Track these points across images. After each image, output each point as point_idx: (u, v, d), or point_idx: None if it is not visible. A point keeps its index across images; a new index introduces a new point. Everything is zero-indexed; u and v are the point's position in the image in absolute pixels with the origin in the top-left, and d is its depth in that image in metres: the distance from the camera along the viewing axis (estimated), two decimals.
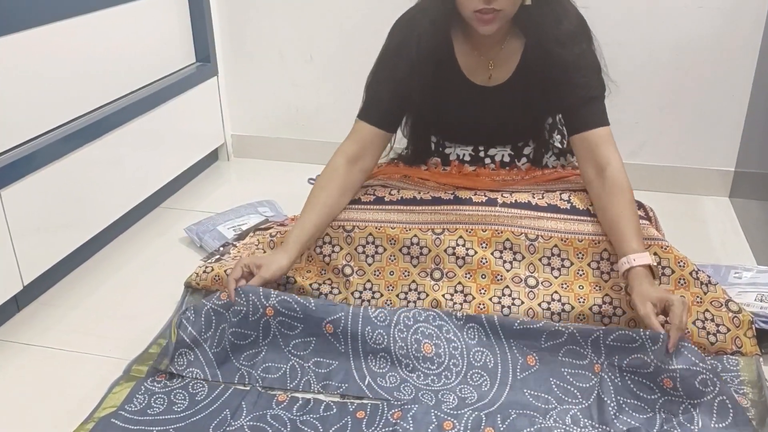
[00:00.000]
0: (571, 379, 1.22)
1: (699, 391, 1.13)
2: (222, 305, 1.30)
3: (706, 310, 1.30)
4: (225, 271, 1.46)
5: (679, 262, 1.34)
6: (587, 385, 1.20)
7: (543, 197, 1.45)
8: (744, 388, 1.21)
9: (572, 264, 1.38)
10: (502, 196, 1.47)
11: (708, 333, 1.29)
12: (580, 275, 1.37)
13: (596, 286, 1.35)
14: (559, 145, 1.61)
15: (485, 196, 1.46)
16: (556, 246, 1.39)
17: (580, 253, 1.38)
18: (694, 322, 1.30)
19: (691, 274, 1.33)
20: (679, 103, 1.97)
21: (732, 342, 1.28)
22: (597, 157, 1.37)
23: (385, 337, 1.28)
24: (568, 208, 1.43)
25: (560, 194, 1.45)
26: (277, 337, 1.31)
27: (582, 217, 1.41)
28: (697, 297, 1.32)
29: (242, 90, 2.29)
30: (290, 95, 2.26)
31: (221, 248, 1.64)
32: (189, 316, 1.28)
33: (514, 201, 1.45)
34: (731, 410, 1.11)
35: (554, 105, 1.48)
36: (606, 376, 1.19)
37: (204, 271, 1.49)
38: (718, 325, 1.29)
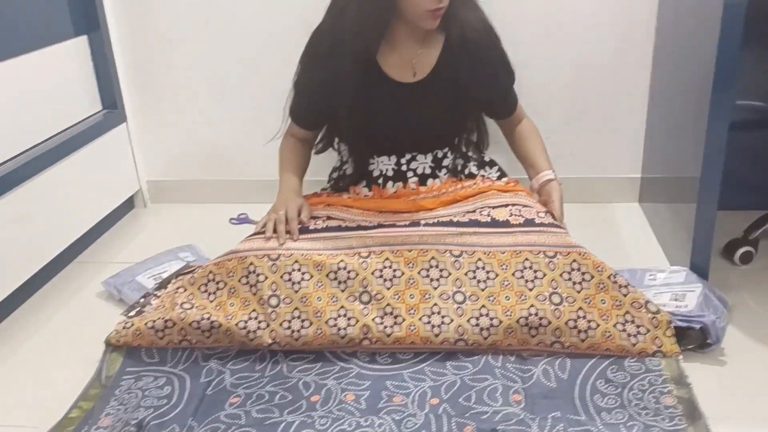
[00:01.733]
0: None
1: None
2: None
3: (627, 312, 1.35)
4: (146, 324, 1.42)
5: (597, 268, 1.39)
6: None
7: (464, 215, 1.49)
8: (668, 386, 1.25)
9: (497, 275, 1.41)
10: (424, 218, 1.49)
11: (629, 335, 1.34)
12: (506, 286, 1.40)
13: (521, 295, 1.38)
14: (477, 157, 1.68)
15: (408, 220, 1.50)
16: (480, 260, 1.42)
17: (504, 264, 1.41)
18: (615, 325, 1.34)
19: (609, 278, 1.38)
20: (585, 117, 2.05)
21: (652, 342, 1.33)
22: (515, 123, 1.72)
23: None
24: (489, 221, 1.47)
25: (479, 210, 1.49)
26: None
27: (503, 229, 1.46)
28: (617, 300, 1.36)
29: (154, 134, 2.24)
30: (204, 136, 2.22)
31: (142, 299, 1.59)
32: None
33: (436, 220, 1.49)
34: None
35: (477, 96, 1.60)
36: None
37: (124, 327, 1.44)
38: (638, 327, 1.34)
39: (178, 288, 1.52)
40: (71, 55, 1.96)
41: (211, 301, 1.44)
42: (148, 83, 2.18)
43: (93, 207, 2.01)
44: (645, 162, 2.05)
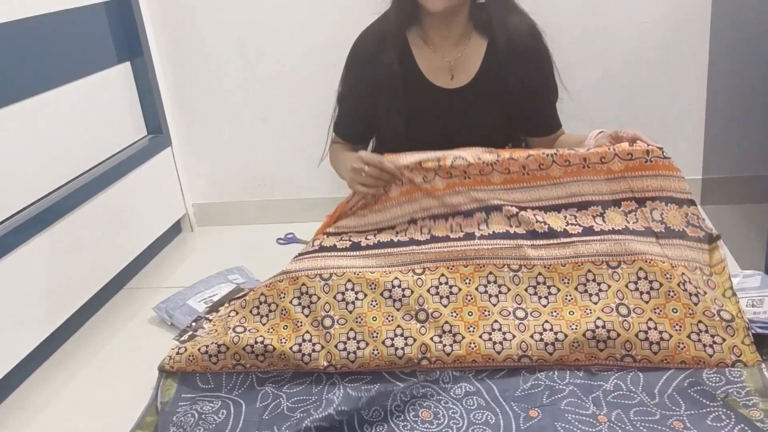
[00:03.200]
0: (577, 423, 1.16)
1: (714, 428, 1.10)
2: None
3: (699, 321, 1.27)
4: (199, 349, 1.39)
5: (665, 275, 1.31)
6: (594, 429, 1.15)
7: (519, 224, 1.41)
8: (753, 399, 1.17)
9: (559, 290, 1.34)
10: (479, 229, 1.43)
11: (704, 345, 1.25)
12: (569, 301, 1.33)
13: (586, 309, 1.31)
14: None
15: (462, 231, 1.43)
16: (540, 274, 1.36)
17: (565, 278, 1.34)
18: (689, 336, 1.26)
19: (679, 285, 1.30)
20: (638, 117, 1.98)
21: (730, 351, 1.24)
22: (553, 141, 1.60)
23: (382, 411, 1.23)
24: (546, 231, 1.39)
25: (535, 216, 1.41)
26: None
27: (561, 240, 1.38)
28: (689, 309, 1.28)
29: (199, 157, 2.24)
30: (248, 157, 2.22)
31: (193, 323, 1.56)
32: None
33: (492, 232, 1.42)
34: None
35: (523, 107, 1.51)
36: (613, 424, 1.15)
37: (177, 353, 1.41)
38: (713, 336, 1.26)
39: (230, 312, 1.49)
40: (115, 82, 1.97)
41: (264, 324, 1.41)
42: (191, 107, 2.19)
43: (141, 233, 2.02)
44: (706, 162, 1.96)
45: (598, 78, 1.95)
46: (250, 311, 1.44)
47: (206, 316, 1.58)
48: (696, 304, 1.28)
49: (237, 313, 1.45)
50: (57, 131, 1.71)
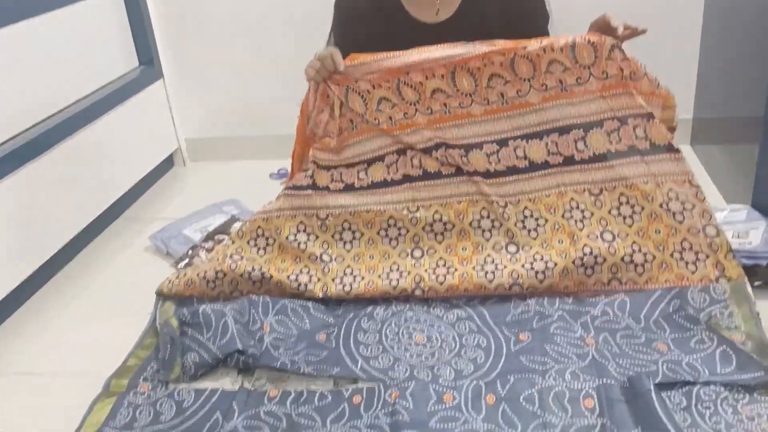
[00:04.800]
0: (566, 344, 1.21)
1: (697, 349, 1.14)
2: (218, 309, 1.29)
3: (684, 239, 1.28)
4: (197, 274, 1.41)
5: (647, 197, 1.31)
6: (582, 351, 1.19)
7: (499, 161, 1.40)
8: (735, 321, 1.19)
9: (546, 221, 1.37)
10: (463, 164, 1.42)
11: (687, 263, 1.28)
12: (557, 229, 1.36)
13: (573, 236, 1.34)
14: None
15: (452, 166, 1.43)
16: (526, 208, 1.38)
17: (551, 207, 1.37)
18: (672, 254, 1.29)
19: (661, 206, 1.31)
20: (634, 54, 1.97)
21: (714, 267, 1.26)
22: None
23: (377, 334, 1.27)
24: (527, 165, 1.40)
25: (515, 150, 1.41)
26: (269, 348, 1.26)
27: (542, 171, 1.39)
28: (672, 228, 1.30)
29: (191, 90, 2.22)
30: (241, 91, 2.20)
31: (189, 251, 1.58)
32: (186, 319, 1.28)
33: (475, 170, 1.42)
34: (733, 356, 1.12)
35: (507, 35, 1.44)
36: (600, 346, 1.19)
37: (176, 277, 1.43)
38: (696, 253, 1.27)
39: (226, 242, 1.50)
40: (105, 9, 1.93)
41: (261, 256, 1.43)
42: (183, 38, 2.15)
43: (133, 166, 2.01)
44: (697, 103, 1.97)
45: (592, 9, 1.94)
46: (247, 242, 1.45)
47: (202, 244, 1.60)
48: (681, 222, 1.29)
49: (234, 242, 1.47)
50: (44, 60, 1.67)
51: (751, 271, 1.30)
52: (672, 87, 1.98)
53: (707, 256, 1.27)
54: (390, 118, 1.41)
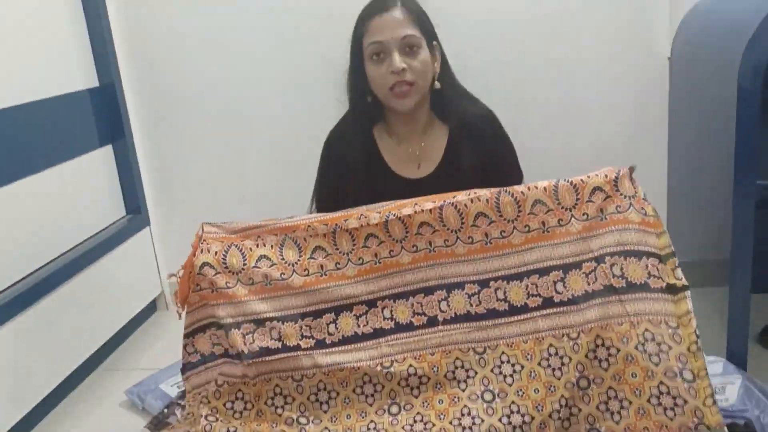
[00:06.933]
0: None
1: None
2: None
3: (660, 383, 1.25)
4: None
5: (622, 338, 1.29)
6: None
7: (480, 302, 1.42)
8: None
9: (523, 367, 1.35)
10: (440, 311, 1.43)
11: (665, 409, 1.23)
12: (533, 378, 1.34)
13: (550, 386, 1.32)
14: None
15: (424, 315, 1.43)
16: (503, 353, 1.37)
17: (528, 354, 1.36)
18: (648, 399, 1.25)
19: (636, 347, 1.27)
20: None
21: (692, 414, 1.22)
22: None
23: None
24: (507, 309, 1.41)
25: (495, 291, 1.42)
26: None
27: (522, 316, 1.39)
28: (648, 371, 1.26)
29: (176, 236, 2.27)
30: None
31: (165, 410, 1.56)
32: None
33: (453, 314, 1.42)
34: None
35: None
36: None
37: None
38: (674, 398, 1.23)
39: (202, 398, 1.48)
40: (97, 164, 2.01)
41: (236, 419, 1.41)
42: (172, 186, 2.23)
43: (117, 312, 2.02)
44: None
45: (563, 160, 2.03)
46: (224, 404, 1.43)
47: (178, 401, 1.57)
48: (657, 365, 1.26)
49: (209, 402, 1.45)
50: (38, 214, 1.73)
51: (729, 429, 1.29)
52: None
53: (685, 402, 1.24)
54: (360, 259, 1.43)
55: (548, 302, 1.38)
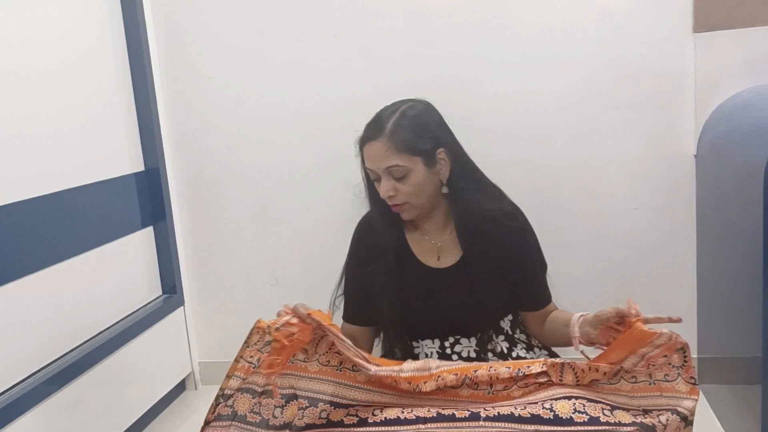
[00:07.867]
0: None
1: None
2: None
3: None
4: None
5: None
6: None
7: (525, 407, 1.43)
8: None
9: None
10: (485, 409, 1.44)
11: None
12: None
13: None
14: (526, 339, 1.66)
15: (467, 411, 1.44)
16: None
17: None
18: None
19: None
20: (634, 297, 2.05)
21: None
22: (544, 317, 1.61)
23: None
24: (551, 417, 1.40)
25: (542, 403, 1.43)
26: None
27: (566, 427, 1.39)
28: None
29: (209, 316, 2.31)
30: (257, 315, 2.27)
31: None
32: None
33: (497, 414, 1.42)
34: None
35: (505, 285, 1.58)
36: None
37: None
38: None
39: None
40: (137, 245, 2.08)
41: None
42: (207, 268, 2.29)
43: (146, 392, 2.04)
44: (700, 342, 2.01)
45: (592, 257, 2.05)
46: None
47: None
48: None
49: None
50: (79, 294, 1.78)
51: None
52: (673, 325, 2.05)
53: None
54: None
55: (594, 420, 1.38)
